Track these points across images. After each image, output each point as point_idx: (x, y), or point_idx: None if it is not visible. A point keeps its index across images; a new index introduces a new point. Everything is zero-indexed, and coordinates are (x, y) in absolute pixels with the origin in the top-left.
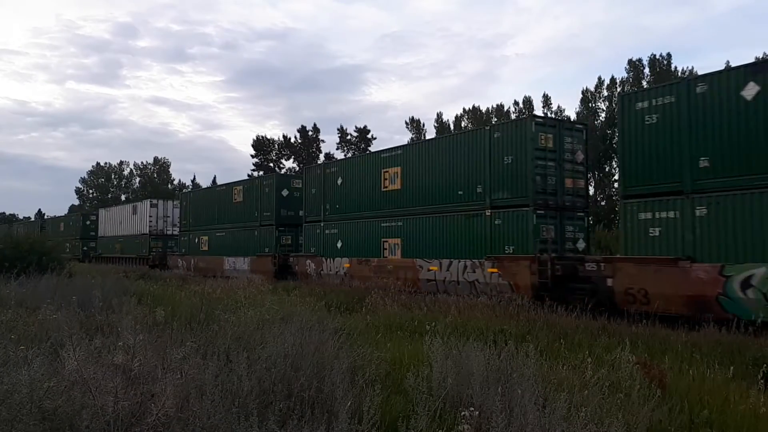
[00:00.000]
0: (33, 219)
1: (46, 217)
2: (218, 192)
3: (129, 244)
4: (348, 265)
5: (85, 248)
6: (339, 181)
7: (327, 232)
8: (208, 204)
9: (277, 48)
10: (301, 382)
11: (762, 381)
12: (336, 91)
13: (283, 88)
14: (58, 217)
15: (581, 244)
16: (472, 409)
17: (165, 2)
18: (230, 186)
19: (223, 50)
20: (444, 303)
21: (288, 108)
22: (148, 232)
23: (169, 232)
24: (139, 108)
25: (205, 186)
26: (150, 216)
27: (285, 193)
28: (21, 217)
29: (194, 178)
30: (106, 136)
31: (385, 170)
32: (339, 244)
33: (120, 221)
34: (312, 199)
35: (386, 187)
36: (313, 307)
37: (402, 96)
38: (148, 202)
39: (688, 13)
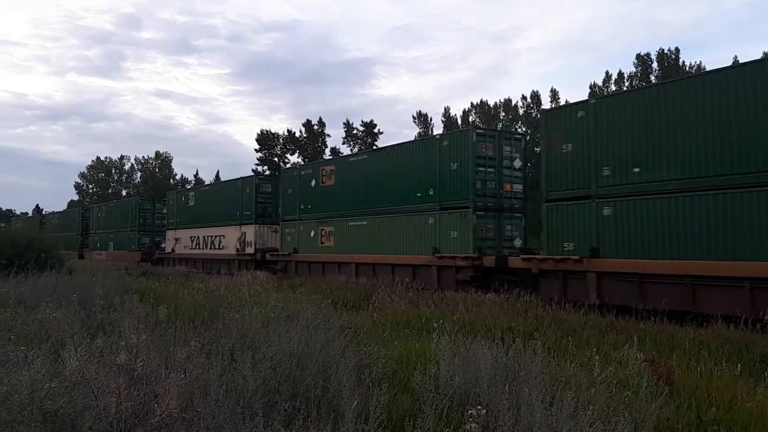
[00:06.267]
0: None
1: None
2: None
3: None
4: None
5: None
6: None
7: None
8: None
9: (284, 40)
10: (307, 381)
11: None
12: (344, 84)
13: (289, 81)
14: None
15: None
16: (479, 407)
17: None
18: None
19: (230, 42)
20: (452, 300)
21: (294, 101)
22: None
23: None
24: (143, 101)
25: (209, 182)
26: None
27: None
28: (18, 212)
29: (197, 173)
30: (107, 130)
31: None
32: None
33: None
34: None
35: None
36: (319, 305)
37: (411, 90)
38: None
39: (700, 8)
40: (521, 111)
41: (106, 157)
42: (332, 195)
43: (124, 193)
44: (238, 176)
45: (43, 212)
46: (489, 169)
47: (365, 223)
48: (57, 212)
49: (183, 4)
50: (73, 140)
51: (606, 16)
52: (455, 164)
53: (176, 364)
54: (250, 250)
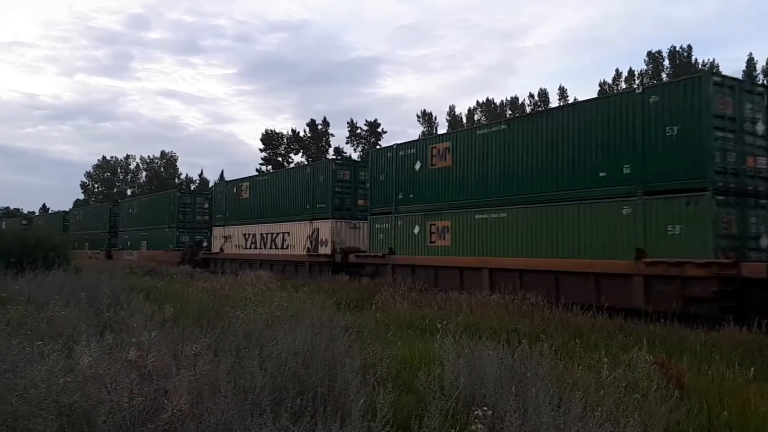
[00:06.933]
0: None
1: None
2: None
3: None
4: None
5: None
6: None
7: None
8: None
9: (290, 40)
10: (313, 379)
11: None
12: (349, 83)
13: (295, 81)
14: None
15: None
16: (485, 408)
17: None
18: None
19: (236, 42)
20: (455, 301)
21: (300, 101)
22: None
23: None
24: (149, 101)
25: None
26: None
27: None
28: (26, 211)
29: (201, 172)
30: (114, 130)
31: None
32: None
33: None
34: None
35: None
36: (323, 305)
37: (417, 89)
38: None
39: (712, 3)
40: (528, 110)
41: (112, 157)
42: (447, 180)
43: (129, 192)
44: (241, 175)
45: (50, 211)
46: (729, 134)
47: (503, 215)
48: (81, 208)
49: (190, 4)
50: (80, 140)
51: (615, 13)
52: (674, 128)
53: (186, 361)
54: (325, 249)
